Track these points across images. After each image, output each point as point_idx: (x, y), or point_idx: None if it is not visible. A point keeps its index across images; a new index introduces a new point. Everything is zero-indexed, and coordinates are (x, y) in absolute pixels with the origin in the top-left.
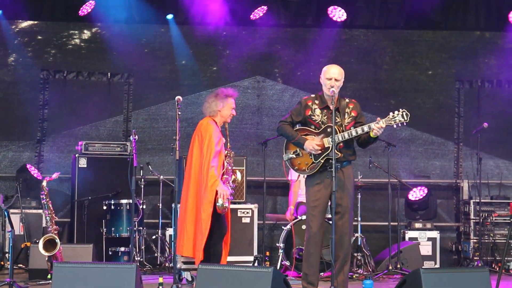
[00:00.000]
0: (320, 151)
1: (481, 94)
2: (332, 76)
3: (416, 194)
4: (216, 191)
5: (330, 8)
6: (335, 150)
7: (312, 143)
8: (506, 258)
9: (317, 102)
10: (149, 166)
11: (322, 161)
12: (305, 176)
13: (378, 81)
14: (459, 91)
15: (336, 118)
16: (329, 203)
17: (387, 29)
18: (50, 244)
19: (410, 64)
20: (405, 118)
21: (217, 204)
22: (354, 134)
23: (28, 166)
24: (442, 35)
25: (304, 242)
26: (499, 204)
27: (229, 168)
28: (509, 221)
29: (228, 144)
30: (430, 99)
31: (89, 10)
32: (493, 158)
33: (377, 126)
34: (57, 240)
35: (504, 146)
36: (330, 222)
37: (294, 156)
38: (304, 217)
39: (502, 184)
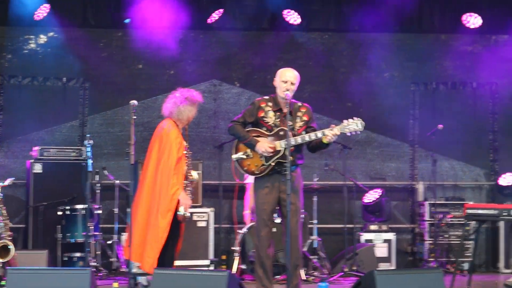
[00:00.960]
0: (272, 154)
1: (436, 96)
2: (288, 79)
3: (370, 196)
4: (178, 200)
5: (285, 12)
6: (286, 153)
7: (265, 145)
8: (460, 259)
9: (270, 104)
10: (105, 171)
11: (273, 164)
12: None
13: (335, 84)
14: (414, 93)
15: (288, 121)
16: (278, 207)
17: (343, 32)
18: (4, 251)
19: (366, 66)
20: (359, 127)
21: (179, 213)
22: (307, 139)
23: None
24: (397, 37)
25: (255, 246)
26: (453, 205)
27: (187, 169)
28: (463, 222)
29: (187, 144)
30: (386, 102)
31: (45, 15)
32: (448, 159)
33: (331, 133)
34: (11, 246)
35: (459, 148)
36: (281, 224)
37: (244, 157)
38: None
39: (457, 186)
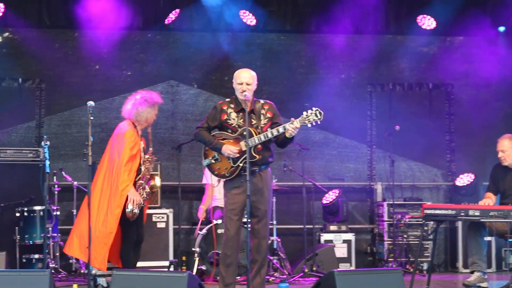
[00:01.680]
0: (238, 155)
1: (392, 97)
2: (243, 80)
3: (328, 197)
4: (127, 196)
5: (241, 12)
6: (253, 153)
7: (229, 147)
8: (419, 259)
9: (232, 105)
10: (62, 172)
11: (241, 164)
12: (224, 180)
13: (293, 84)
14: (371, 94)
15: (252, 120)
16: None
17: (300, 33)
18: None
19: (323, 67)
20: (319, 117)
21: (127, 209)
22: (269, 136)
23: None
24: (354, 38)
25: (222, 245)
26: (412, 205)
27: (147, 173)
28: (421, 222)
29: (151, 148)
30: (343, 102)
31: (1, 15)
32: (406, 160)
33: (291, 127)
34: None
35: (416, 148)
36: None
37: (213, 161)
38: (220, 221)
39: (415, 186)
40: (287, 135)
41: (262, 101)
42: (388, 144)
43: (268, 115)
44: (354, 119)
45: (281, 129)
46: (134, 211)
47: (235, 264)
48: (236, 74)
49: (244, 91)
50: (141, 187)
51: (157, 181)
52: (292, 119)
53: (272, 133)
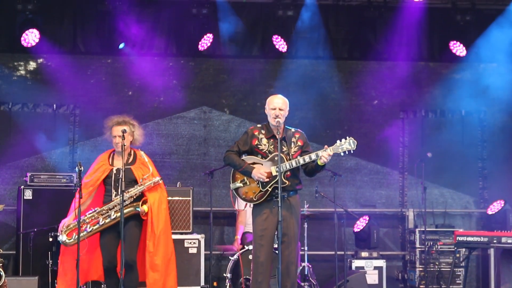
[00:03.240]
0: (267, 180)
1: (424, 124)
2: (276, 106)
3: (358, 225)
4: None
5: (274, 37)
6: (283, 178)
7: (260, 171)
8: (451, 286)
9: (263, 131)
10: None
11: (270, 189)
12: (252, 205)
13: (325, 111)
14: (403, 120)
15: (283, 147)
16: (276, 232)
17: (332, 60)
18: None
19: (356, 94)
20: (352, 146)
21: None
22: (301, 162)
23: None
24: (386, 65)
25: (251, 271)
26: (444, 232)
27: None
28: (453, 249)
29: (150, 173)
30: (376, 129)
31: (36, 41)
32: (438, 187)
33: (325, 154)
34: (2, 273)
35: (448, 175)
36: (277, 251)
37: (242, 185)
38: (251, 247)
39: (446, 213)
40: (320, 162)
41: (293, 129)
42: (420, 171)
43: (299, 143)
44: (386, 146)
45: (313, 156)
46: (62, 240)
47: None
48: (269, 100)
49: (277, 116)
50: (93, 219)
51: (145, 208)
52: (326, 146)
53: (304, 159)
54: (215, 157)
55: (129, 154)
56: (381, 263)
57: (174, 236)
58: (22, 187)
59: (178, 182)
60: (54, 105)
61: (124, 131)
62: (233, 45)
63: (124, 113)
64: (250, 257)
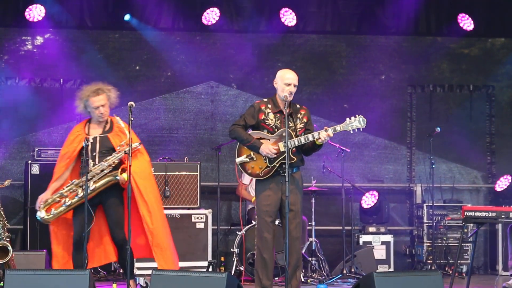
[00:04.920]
0: (275, 155)
1: (433, 99)
2: (291, 82)
3: (368, 201)
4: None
5: (282, 11)
6: (290, 154)
7: (269, 146)
8: (459, 261)
9: (270, 106)
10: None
11: (277, 165)
12: (255, 181)
13: (333, 86)
14: (411, 95)
15: (289, 123)
16: (279, 208)
17: (340, 34)
18: (2, 252)
19: (363, 69)
20: (362, 124)
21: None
22: (310, 139)
23: None
24: (394, 40)
25: (256, 247)
26: (451, 207)
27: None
28: (461, 224)
29: (127, 139)
30: (383, 104)
31: (42, 16)
32: (446, 162)
33: (325, 134)
34: (9, 248)
35: (456, 151)
36: (281, 226)
37: (248, 159)
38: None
39: (454, 188)
40: (318, 142)
41: (298, 105)
42: (428, 146)
43: (304, 119)
44: (394, 121)
45: (316, 135)
46: (40, 216)
47: (271, 266)
48: (282, 75)
49: (292, 92)
50: (71, 192)
51: (124, 176)
52: (326, 127)
53: (309, 137)
54: (222, 132)
55: (106, 122)
56: (389, 238)
57: (182, 211)
58: (29, 162)
59: (186, 157)
60: (61, 79)
61: (131, 106)
62: (240, 19)
63: (132, 88)
64: None
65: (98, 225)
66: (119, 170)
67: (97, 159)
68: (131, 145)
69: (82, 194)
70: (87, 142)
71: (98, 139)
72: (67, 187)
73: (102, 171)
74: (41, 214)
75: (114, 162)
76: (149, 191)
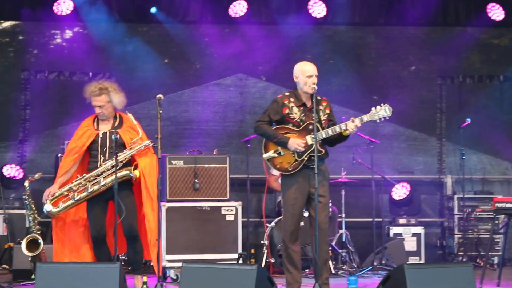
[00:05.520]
0: (304, 149)
1: (462, 90)
2: (312, 73)
3: (399, 192)
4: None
5: (311, 2)
6: (319, 147)
7: (297, 141)
8: (490, 253)
9: (292, 100)
10: None
11: (306, 158)
12: (281, 175)
13: (362, 77)
14: (441, 86)
15: (313, 115)
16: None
17: (368, 26)
18: (33, 244)
19: (393, 60)
20: (388, 113)
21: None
22: (337, 130)
23: (4, 168)
24: (424, 31)
25: (282, 240)
26: (482, 199)
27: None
28: (492, 216)
29: (139, 137)
30: (413, 95)
31: (71, 9)
32: (476, 153)
33: (353, 125)
34: (40, 240)
35: (486, 142)
36: (309, 217)
37: (276, 155)
38: None
39: (485, 179)
40: (345, 133)
41: (318, 97)
42: (458, 137)
43: (327, 111)
44: (423, 112)
45: (343, 126)
46: (46, 209)
47: (299, 258)
48: (302, 68)
49: (315, 83)
50: (81, 186)
51: (136, 173)
52: (352, 118)
53: (336, 129)
54: (252, 124)
55: (114, 118)
56: (419, 230)
57: (211, 204)
58: (59, 155)
59: (215, 150)
60: (90, 73)
61: (160, 99)
62: (268, 11)
63: (160, 81)
64: None
65: (108, 219)
66: (132, 166)
67: (107, 154)
68: (159, 138)
69: (91, 189)
70: (116, 135)
71: (108, 134)
72: (76, 181)
73: (113, 167)
74: (48, 207)
75: (125, 159)
76: (155, 189)
